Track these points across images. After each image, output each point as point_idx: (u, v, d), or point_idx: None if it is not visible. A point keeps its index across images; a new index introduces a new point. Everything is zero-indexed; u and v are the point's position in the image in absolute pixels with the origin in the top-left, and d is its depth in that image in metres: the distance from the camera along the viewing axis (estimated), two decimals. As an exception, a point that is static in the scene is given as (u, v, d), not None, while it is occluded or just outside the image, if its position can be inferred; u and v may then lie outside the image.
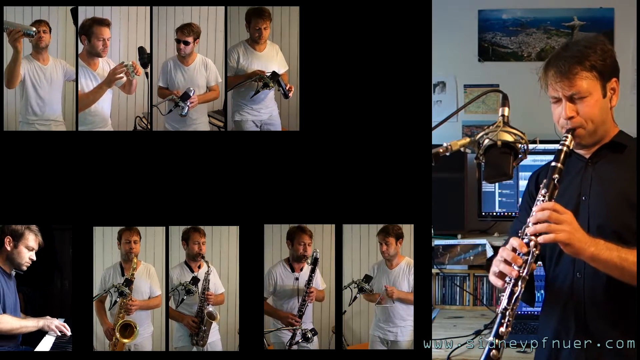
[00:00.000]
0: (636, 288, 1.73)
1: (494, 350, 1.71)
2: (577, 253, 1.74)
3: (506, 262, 1.77)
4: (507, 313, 1.73)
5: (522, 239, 1.77)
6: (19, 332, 1.91)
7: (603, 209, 1.84)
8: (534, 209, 1.78)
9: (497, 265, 1.80)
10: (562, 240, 1.72)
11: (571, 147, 1.84)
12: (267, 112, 2.07)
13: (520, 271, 1.74)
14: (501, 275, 1.78)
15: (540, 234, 1.74)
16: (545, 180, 1.81)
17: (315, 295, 2.05)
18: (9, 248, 1.93)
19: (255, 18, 1.99)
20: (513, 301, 1.73)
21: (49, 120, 1.96)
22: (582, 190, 1.89)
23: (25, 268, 1.96)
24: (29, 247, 1.94)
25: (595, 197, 1.87)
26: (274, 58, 2.03)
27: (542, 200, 1.78)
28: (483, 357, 1.71)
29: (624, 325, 1.79)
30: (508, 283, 1.75)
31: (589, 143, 1.90)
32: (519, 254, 1.75)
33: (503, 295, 1.75)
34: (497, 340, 1.71)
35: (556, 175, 1.79)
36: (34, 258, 1.96)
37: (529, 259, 1.75)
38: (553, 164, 1.81)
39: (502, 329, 1.72)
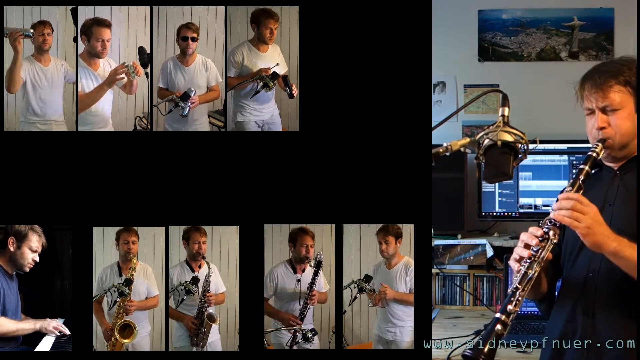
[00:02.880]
0: (636, 288, 1.73)
1: (498, 326, 1.71)
2: (598, 246, 1.77)
3: (525, 246, 1.82)
4: (518, 293, 1.75)
5: (543, 228, 1.81)
6: (15, 335, 1.91)
7: (625, 214, 1.87)
8: (559, 196, 1.83)
9: (515, 251, 1.85)
10: (582, 229, 1.76)
11: (600, 155, 1.88)
12: (269, 112, 2.07)
13: (536, 254, 1.78)
14: (520, 258, 1.82)
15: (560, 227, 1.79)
16: (571, 180, 1.85)
17: (317, 298, 2.05)
18: (12, 249, 1.93)
19: (267, 18, 2.00)
20: (525, 282, 1.77)
21: (50, 121, 1.96)
22: (607, 198, 1.93)
23: (27, 269, 1.96)
24: (32, 248, 1.93)
25: (619, 204, 1.90)
26: (277, 59, 2.03)
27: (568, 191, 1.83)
28: (487, 330, 1.72)
29: (631, 327, 1.79)
30: (523, 265, 1.79)
31: (620, 156, 1.93)
32: (536, 236, 1.80)
33: (517, 276, 1.79)
34: (503, 317, 1.72)
35: (582, 176, 1.84)
36: (37, 259, 1.95)
37: (547, 244, 1.79)
38: (581, 166, 1.86)
39: (511, 307, 1.74)
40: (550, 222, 1.81)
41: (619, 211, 1.89)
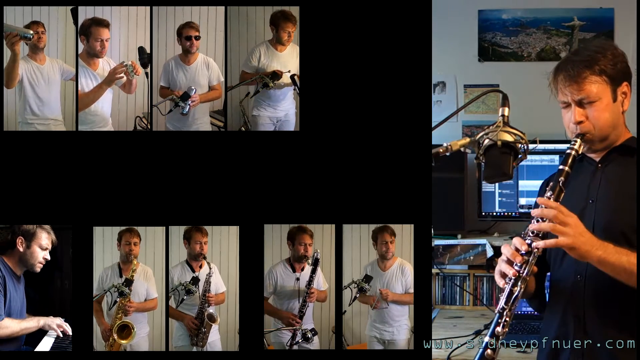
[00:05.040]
0: (636, 288, 1.72)
1: (488, 350, 1.70)
2: (583, 256, 1.72)
3: (508, 261, 1.76)
4: (505, 313, 1.72)
5: (525, 239, 1.76)
6: (20, 335, 1.90)
7: (609, 211, 1.83)
8: (537, 200, 1.78)
9: (499, 265, 1.80)
10: (566, 245, 1.71)
11: (580, 152, 1.83)
12: (283, 110, 2.11)
13: (521, 271, 1.74)
14: (504, 274, 1.77)
15: (542, 236, 1.74)
16: (552, 183, 1.80)
17: (316, 295, 2.05)
18: (21, 249, 1.92)
19: (284, 21, 2.01)
20: (511, 301, 1.73)
21: (48, 120, 1.96)
22: (589, 193, 1.88)
23: (38, 269, 1.94)
24: (42, 246, 1.92)
25: (602, 200, 1.86)
26: (294, 59, 2.03)
27: None
28: (477, 356, 1.71)
29: (621, 329, 1.78)
30: (508, 282, 1.75)
31: (600, 148, 1.88)
32: (520, 253, 1.75)
33: (502, 296, 1.75)
34: (492, 340, 1.71)
35: (562, 178, 1.78)
36: (48, 257, 1.94)
37: (530, 259, 1.74)
38: (560, 167, 1.81)
39: (499, 329, 1.72)
40: (532, 232, 1.75)
41: (602, 207, 1.84)
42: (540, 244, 1.73)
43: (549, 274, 1.99)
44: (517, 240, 1.77)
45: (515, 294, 1.73)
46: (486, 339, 1.72)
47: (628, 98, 1.87)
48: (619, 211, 1.82)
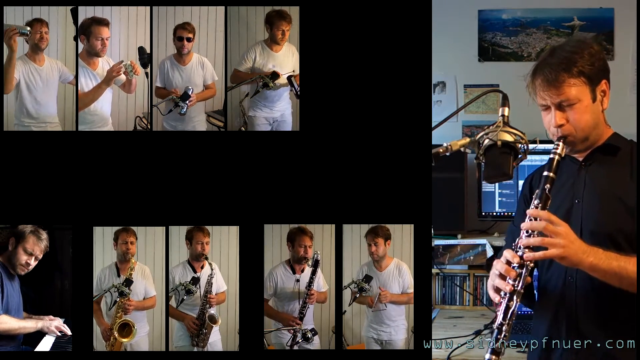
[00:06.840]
0: (636, 289, 1.72)
1: None
2: (575, 264, 1.72)
3: (501, 276, 1.76)
4: (504, 328, 1.72)
5: (516, 251, 1.76)
6: (17, 333, 1.91)
7: (596, 213, 1.82)
8: (527, 220, 1.77)
9: (492, 280, 1.79)
10: (557, 256, 1.71)
11: (563, 155, 1.82)
12: (279, 110, 2.10)
13: (515, 285, 1.74)
14: (498, 289, 1.77)
15: (534, 248, 1.73)
16: (537, 191, 1.79)
17: (316, 297, 2.05)
18: (10, 248, 1.92)
19: (279, 20, 2.01)
20: (509, 316, 1.73)
21: (45, 122, 1.95)
22: (575, 194, 1.88)
23: (20, 272, 1.93)
24: (26, 250, 1.92)
25: (588, 201, 1.85)
26: (290, 59, 2.04)
27: None
28: None
29: (615, 328, 1.78)
30: (503, 298, 1.75)
31: (582, 148, 1.88)
32: (512, 267, 1.75)
33: (499, 311, 1.74)
34: (493, 357, 1.71)
35: (548, 185, 1.78)
36: (32, 263, 1.93)
37: (524, 272, 1.74)
38: (545, 173, 1.79)
39: (498, 345, 1.71)
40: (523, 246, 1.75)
41: (589, 209, 1.83)
42: (530, 256, 1.73)
43: (536, 274, 1.98)
44: (508, 254, 1.77)
45: (512, 308, 1.73)
46: (487, 355, 1.72)
47: (607, 96, 1.86)
48: (606, 214, 1.81)
